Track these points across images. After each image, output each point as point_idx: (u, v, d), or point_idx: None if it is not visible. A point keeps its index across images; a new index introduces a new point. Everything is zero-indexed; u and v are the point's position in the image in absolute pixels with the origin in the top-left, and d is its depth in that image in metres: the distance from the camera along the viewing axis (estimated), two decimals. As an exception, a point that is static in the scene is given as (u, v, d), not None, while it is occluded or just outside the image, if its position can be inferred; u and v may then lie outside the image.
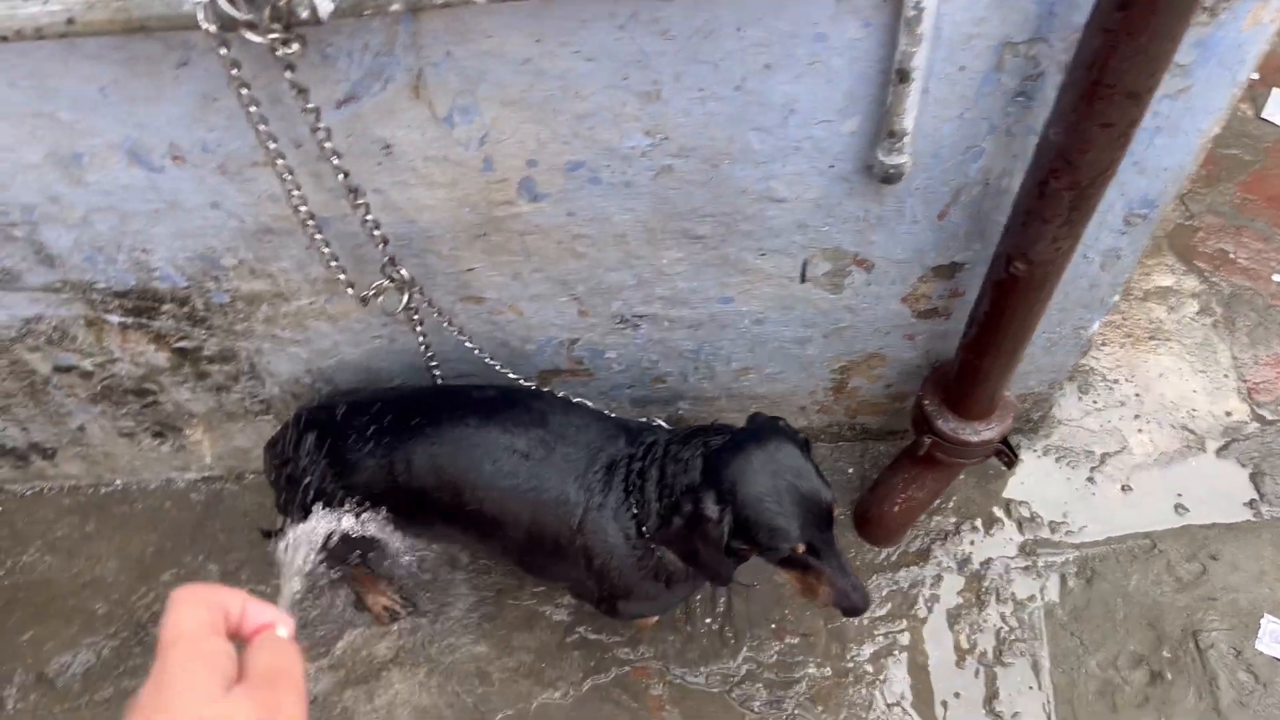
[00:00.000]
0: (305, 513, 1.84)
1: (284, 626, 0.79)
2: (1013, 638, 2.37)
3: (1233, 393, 2.76)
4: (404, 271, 1.84)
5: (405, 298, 1.87)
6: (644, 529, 1.82)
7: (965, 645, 2.37)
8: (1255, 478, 2.59)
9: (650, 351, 2.28)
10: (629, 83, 1.55)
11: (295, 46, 1.32)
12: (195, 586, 0.76)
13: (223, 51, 1.33)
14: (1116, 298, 2.10)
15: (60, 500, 2.75)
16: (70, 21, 1.30)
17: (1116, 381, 2.79)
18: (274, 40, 1.30)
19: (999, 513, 2.58)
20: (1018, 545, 2.52)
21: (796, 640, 2.40)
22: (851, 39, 1.47)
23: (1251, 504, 2.55)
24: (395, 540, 1.94)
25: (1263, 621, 2.35)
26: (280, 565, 1.37)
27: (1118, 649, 2.34)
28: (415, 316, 1.99)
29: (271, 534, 2.01)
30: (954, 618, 2.42)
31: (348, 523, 1.81)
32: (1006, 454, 2.21)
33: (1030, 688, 2.30)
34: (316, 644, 2.43)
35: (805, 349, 2.27)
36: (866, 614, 2.40)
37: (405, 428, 1.91)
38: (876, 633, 2.40)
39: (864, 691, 2.33)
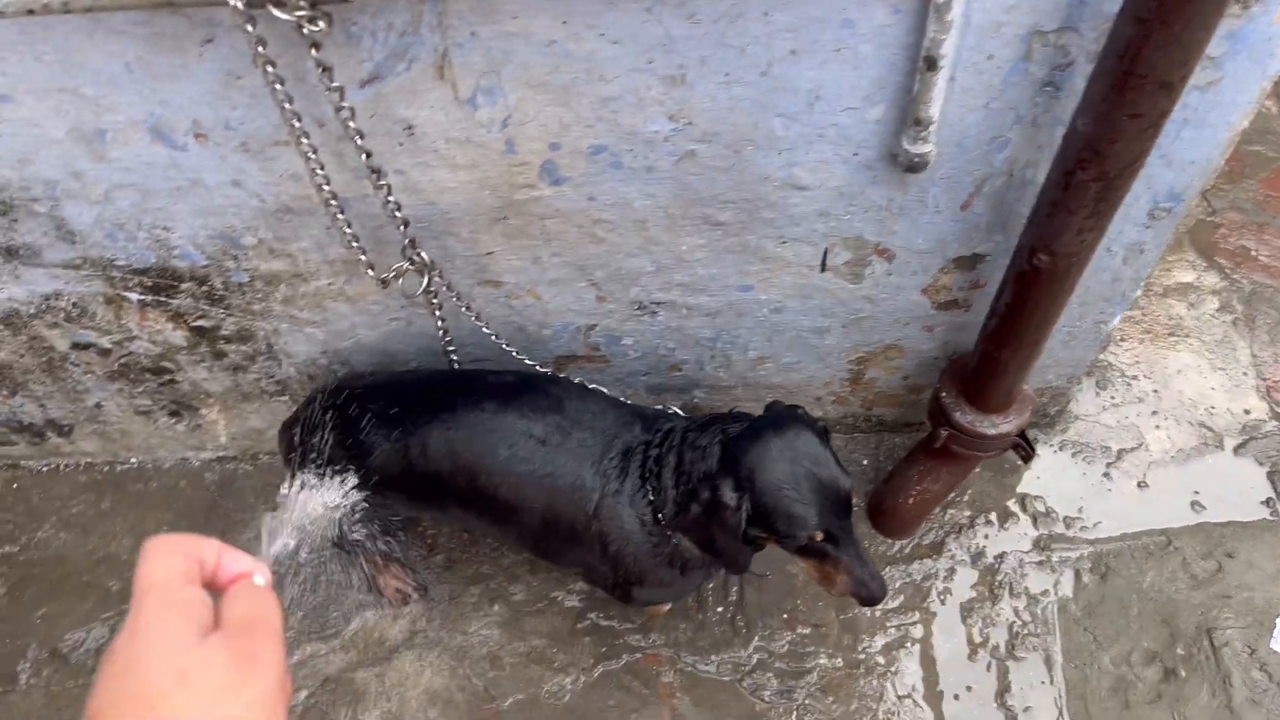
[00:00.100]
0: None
1: (261, 575, 0.79)
2: (1025, 632, 2.36)
3: (1252, 391, 2.75)
4: (424, 254, 1.84)
5: (425, 281, 1.87)
6: (660, 516, 1.82)
7: (978, 639, 2.37)
8: (1273, 476, 2.58)
9: (667, 339, 2.28)
10: (654, 66, 1.54)
11: (322, 24, 1.32)
12: (170, 535, 0.75)
13: (249, 28, 1.32)
14: (1138, 293, 2.09)
15: (76, 477, 2.76)
16: (97, -5, 1.30)
17: (1135, 378, 2.78)
18: (301, 17, 1.30)
19: (1014, 507, 2.57)
20: (1032, 540, 2.51)
21: (808, 630, 2.39)
22: (880, 25, 1.46)
23: (1268, 502, 2.54)
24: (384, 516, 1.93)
25: (1278, 620, 2.34)
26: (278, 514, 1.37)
27: (1131, 645, 2.33)
28: (434, 300, 1.99)
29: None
30: (967, 611, 2.41)
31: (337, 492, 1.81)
32: (1024, 448, 2.20)
33: (1042, 682, 2.30)
34: (328, 625, 2.44)
35: (823, 339, 2.27)
36: (879, 606, 2.40)
37: (421, 411, 1.91)
38: (889, 624, 2.40)
39: (875, 683, 2.32)
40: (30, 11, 1.31)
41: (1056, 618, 2.38)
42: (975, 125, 1.66)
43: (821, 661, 2.35)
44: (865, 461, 2.68)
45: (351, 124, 1.51)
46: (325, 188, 1.63)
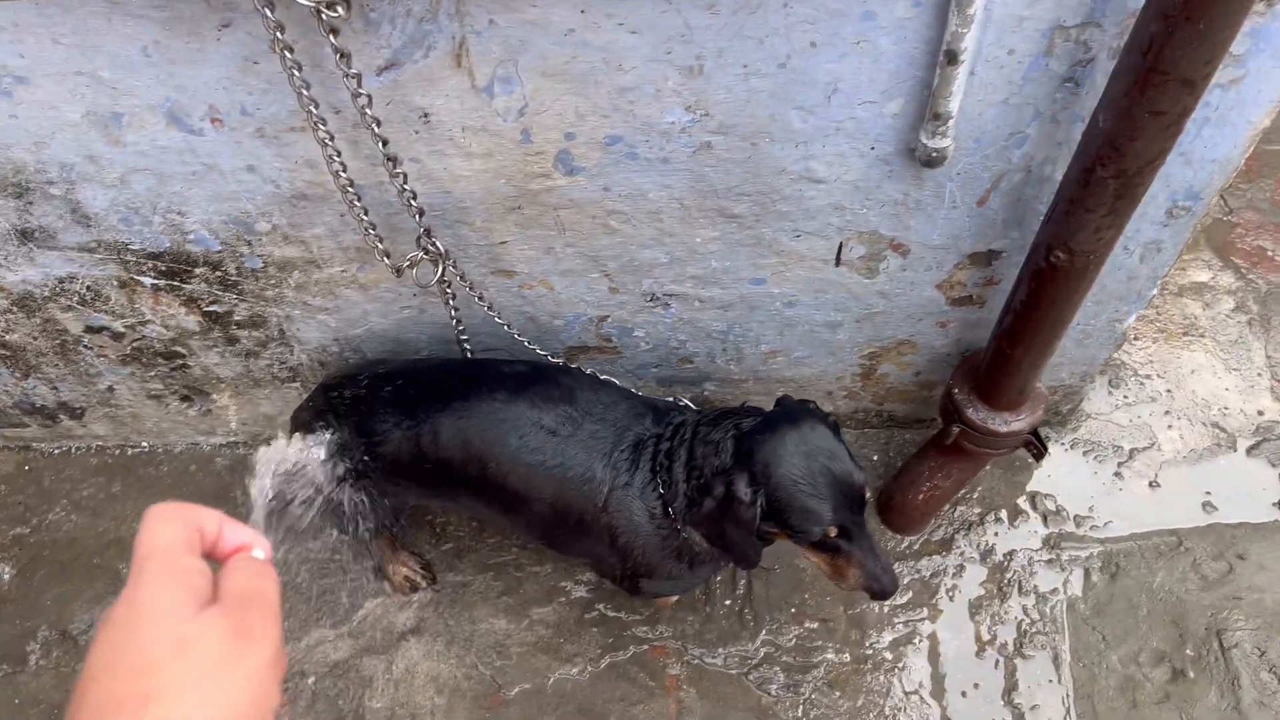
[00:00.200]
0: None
1: (260, 548, 0.79)
2: (1034, 630, 2.36)
3: (1266, 391, 2.73)
4: (438, 243, 1.84)
5: (439, 270, 1.87)
6: (670, 509, 1.82)
7: (986, 636, 2.36)
8: (1286, 478, 2.57)
9: (679, 331, 2.27)
10: (672, 57, 1.53)
11: (340, 10, 1.32)
12: (172, 503, 0.74)
13: (267, 13, 1.32)
14: (1154, 291, 2.08)
15: (87, 460, 2.77)
16: (116, -22, 1.29)
17: (1148, 377, 2.76)
18: (319, 3, 1.29)
19: (1024, 505, 2.56)
20: (1042, 538, 2.50)
21: (816, 625, 2.39)
22: (900, 18, 1.45)
23: (1281, 504, 2.53)
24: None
25: (1288, 623, 2.34)
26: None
27: (1140, 645, 2.32)
28: (448, 289, 1.99)
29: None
30: (975, 608, 2.41)
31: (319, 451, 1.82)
32: (1036, 446, 2.19)
33: (1050, 681, 2.29)
34: (337, 611, 2.45)
35: (836, 333, 2.26)
36: (887, 601, 2.40)
37: (433, 399, 1.91)
38: (896, 620, 2.40)
39: (882, 678, 2.32)
40: (49, -6, 1.31)
41: (1065, 616, 2.37)
42: (994, 121, 1.65)
43: (829, 656, 2.35)
44: (875, 457, 2.67)
45: (368, 111, 1.51)
46: (342, 174, 1.62)
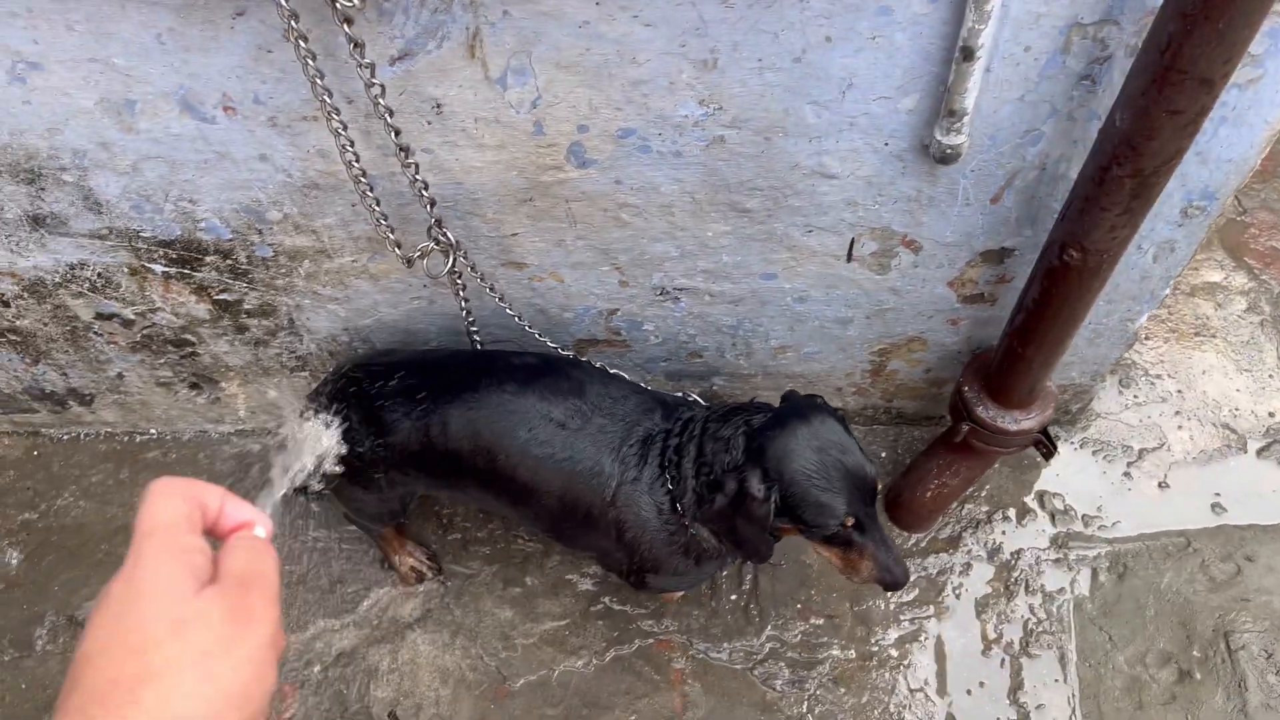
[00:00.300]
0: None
1: (262, 527, 0.78)
2: (1040, 630, 2.35)
3: (1277, 393, 2.72)
4: (449, 234, 1.84)
5: (450, 261, 1.87)
6: (678, 505, 1.82)
7: (992, 635, 2.36)
8: (1296, 480, 2.56)
9: (689, 325, 2.27)
10: (686, 50, 1.52)
11: (355, -1, 1.31)
12: (174, 479, 0.74)
13: (282, 2, 1.32)
14: (1167, 291, 2.07)
15: (96, 446, 2.77)
16: (131, -35, 1.29)
17: (1159, 377, 2.75)
18: (334, -8, 1.29)
19: (1032, 504, 2.55)
20: (1049, 537, 2.49)
21: (821, 621, 2.39)
22: (917, 14, 1.44)
23: (1290, 507, 2.52)
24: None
25: (1296, 626, 2.33)
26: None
27: (1147, 646, 2.32)
28: (458, 280, 1.99)
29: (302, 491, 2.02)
30: (982, 607, 2.40)
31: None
32: (1045, 445, 2.18)
33: (1056, 680, 2.29)
34: (343, 601, 2.45)
35: (846, 329, 2.25)
36: (893, 599, 2.40)
37: (443, 390, 1.91)
38: (902, 618, 2.39)
39: (887, 675, 2.32)
40: (64, -20, 1.30)
41: (1072, 616, 2.37)
42: (1009, 118, 1.64)
43: (834, 652, 2.35)
44: (884, 454, 2.67)
45: (381, 101, 1.51)
46: (354, 164, 1.62)
